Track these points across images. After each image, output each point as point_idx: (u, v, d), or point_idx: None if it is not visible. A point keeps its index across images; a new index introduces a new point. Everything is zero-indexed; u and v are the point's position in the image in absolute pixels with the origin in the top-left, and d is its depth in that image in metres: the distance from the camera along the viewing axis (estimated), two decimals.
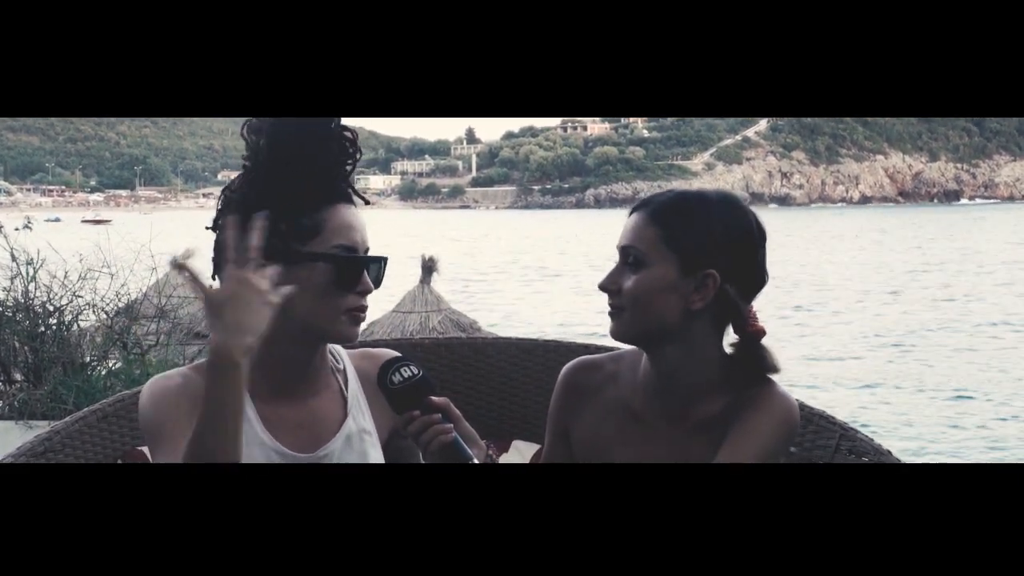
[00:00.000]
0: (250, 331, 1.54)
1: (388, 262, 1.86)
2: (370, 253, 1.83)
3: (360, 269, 1.79)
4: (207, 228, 1.82)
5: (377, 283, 1.83)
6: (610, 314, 1.85)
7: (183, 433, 1.62)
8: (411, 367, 1.75)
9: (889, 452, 2.09)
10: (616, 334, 1.86)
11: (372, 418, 1.89)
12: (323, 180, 1.79)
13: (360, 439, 1.86)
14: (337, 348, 1.94)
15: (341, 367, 1.92)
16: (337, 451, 1.83)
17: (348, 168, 1.83)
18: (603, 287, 1.85)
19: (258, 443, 1.78)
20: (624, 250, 1.84)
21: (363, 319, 1.82)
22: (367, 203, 1.89)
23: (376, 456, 1.87)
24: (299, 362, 1.83)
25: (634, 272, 1.82)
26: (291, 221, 1.75)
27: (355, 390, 1.90)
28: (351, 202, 1.83)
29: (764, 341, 1.86)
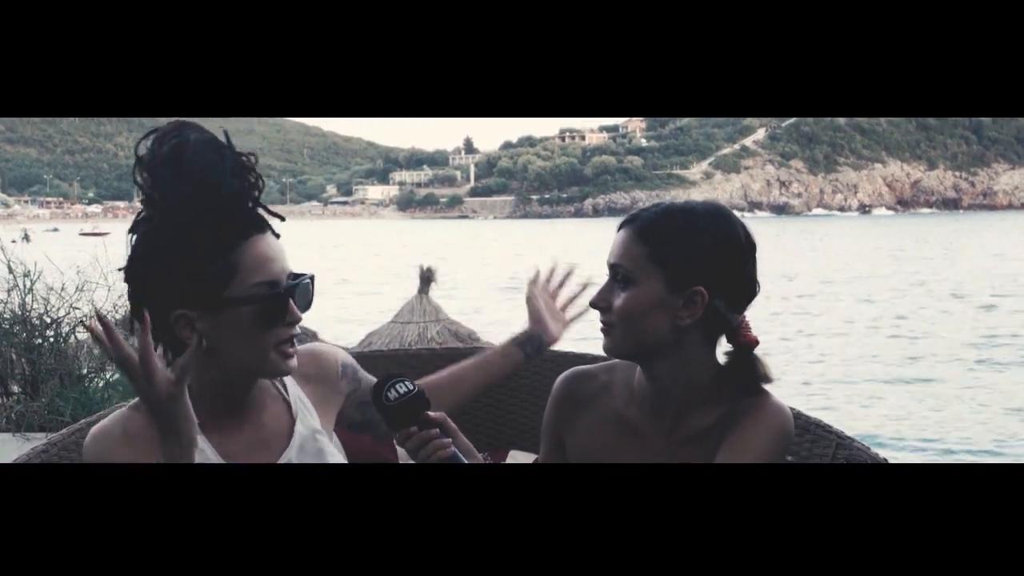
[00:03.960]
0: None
1: (313, 279, 1.79)
2: (297, 272, 1.76)
3: (286, 302, 1.72)
4: (119, 269, 1.78)
5: (306, 305, 1.77)
6: (602, 330, 1.85)
7: None
8: (406, 383, 1.74)
9: (885, 460, 2.09)
10: (609, 350, 1.87)
11: (318, 411, 1.87)
12: (230, 216, 1.71)
13: (313, 440, 1.84)
14: None
15: None
16: (293, 458, 1.82)
17: (255, 196, 1.75)
18: (594, 304, 1.85)
19: None
20: (613, 268, 1.84)
21: (295, 352, 1.76)
22: (282, 219, 1.79)
23: (332, 452, 1.85)
24: (239, 392, 1.80)
25: (623, 290, 1.82)
26: (206, 266, 1.69)
27: (296, 393, 1.88)
28: (264, 230, 1.74)
29: (757, 351, 1.86)
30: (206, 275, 1.69)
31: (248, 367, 1.75)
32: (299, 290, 1.75)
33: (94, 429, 1.77)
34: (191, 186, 1.69)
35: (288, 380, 1.88)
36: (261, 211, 1.76)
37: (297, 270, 1.78)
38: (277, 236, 1.77)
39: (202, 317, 1.71)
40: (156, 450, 1.71)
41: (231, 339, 1.71)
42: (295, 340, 1.76)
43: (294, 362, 1.76)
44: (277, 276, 1.72)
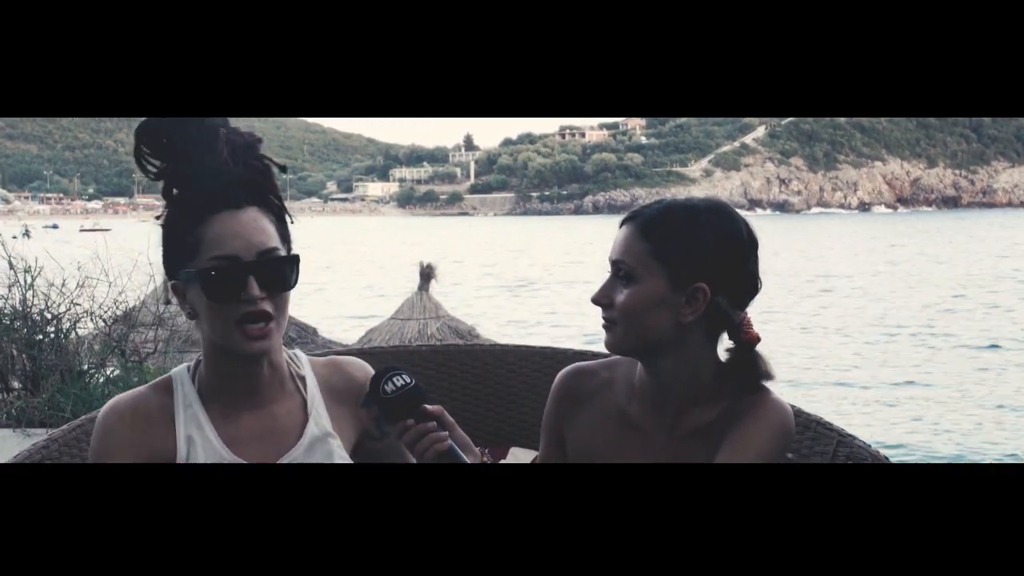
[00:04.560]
0: None
1: (297, 260, 1.78)
2: (277, 255, 1.75)
3: (240, 276, 1.70)
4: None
5: (279, 285, 1.74)
6: (604, 327, 1.85)
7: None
8: (403, 376, 1.74)
9: (887, 458, 2.09)
10: (611, 346, 1.87)
11: (335, 423, 1.86)
12: (199, 190, 1.73)
13: (324, 442, 1.83)
14: (299, 354, 1.91)
15: (302, 373, 1.88)
16: (300, 456, 1.81)
17: (244, 169, 1.76)
18: (596, 301, 1.85)
19: (218, 460, 1.77)
20: (615, 264, 1.84)
21: (259, 332, 1.73)
22: (284, 209, 1.81)
23: (342, 458, 1.84)
24: (241, 375, 1.80)
25: (625, 286, 1.82)
26: (180, 240, 1.74)
27: (314, 395, 1.86)
28: (245, 207, 1.74)
29: (759, 348, 1.87)
30: (178, 246, 1.74)
31: (219, 343, 1.76)
32: (263, 267, 1.72)
33: (116, 397, 1.82)
34: (172, 158, 1.75)
35: (310, 380, 1.87)
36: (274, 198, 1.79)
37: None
38: (289, 220, 1.80)
39: (185, 289, 1.76)
40: (161, 432, 1.76)
41: (201, 312, 1.75)
42: (263, 319, 1.72)
43: (259, 344, 1.74)
44: (236, 251, 1.71)
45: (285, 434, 1.82)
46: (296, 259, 1.78)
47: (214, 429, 1.79)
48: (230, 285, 1.71)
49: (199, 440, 1.77)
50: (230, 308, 1.71)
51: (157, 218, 1.81)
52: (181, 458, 1.77)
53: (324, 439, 1.83)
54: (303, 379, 1.87)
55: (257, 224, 1.74)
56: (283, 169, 1.85)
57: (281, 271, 1.75)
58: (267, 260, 1.73)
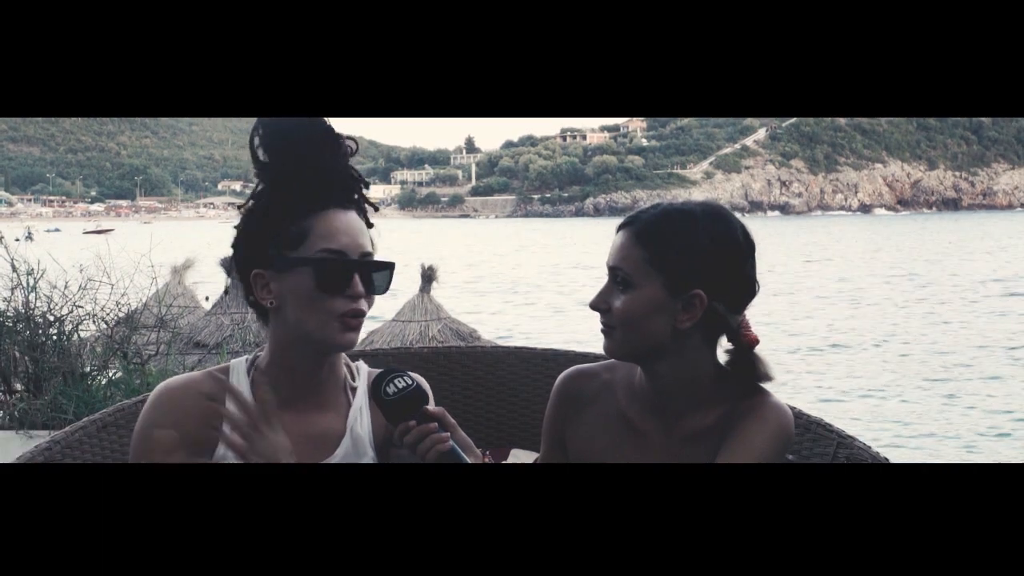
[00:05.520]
0: None
1: (393, 268, 1.84)
2: (376, 259, 1.82)
3: (349, 272, 1.77)
4: (234, 227, 1.88)
5: (376, 288, 1.81)
6: (602, 331, 1.86)
7: (164, 447, 1.76)
8: (404, 378, 1.75)
9: (887, 459, 2.09)
10: (609, 351, 1.87)
11: (372, 435, 1.87)
12: (315, 185, 1.80)
13: (358, 458, 1.85)
14: (360, 366, 1.93)
15: (356, 385, 1.90)
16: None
17: (347, 173, 1.83)
18: (594, 306, 1.85)
19: None
20: (612, 270, 1.84)
21: (357, 325, 1.79)
22: (376, 209, 1.89)
23: None
24: (304, 373, 1.83)
25: (623, 293, 1.82)
26: (283, 228, 1.79)
27: (360, 407, 1.88)
28: (349, 208, 1.82)
29: (757, 349, 1.87)
30: (279, 235, 1.78)
31: (309, 333, 1.79)
32: (367, 268, 1.79)
33: (172, 377, 1.87)
34: (285, 153, 1.80)
35: (360, 392, 1.89)
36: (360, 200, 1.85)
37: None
38: (370, 225, 1.86)
39: (275, 278, 1.79)
40: (207, 416, 1.77)
41: (295, 302, 1.78)
42: (360, 316, 1.79)
43: (351, 336, 1.79)
44: (344, 247, 1.78)
45: (324, 442, 1.84)
46: (392, 266, 1.84)
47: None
48: (340, 279, 1.77)
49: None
50: (333, 302, 1.77)
51: (239, 207, 1.87)
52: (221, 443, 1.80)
53: (358, 455, 1.85)
54: (355, 391, 1.89)
55: (360, 226, 1.82)
56: (366, 184, 1.92)
57: (383, 276, 1.83)
58: (369, 262, 1.80)
